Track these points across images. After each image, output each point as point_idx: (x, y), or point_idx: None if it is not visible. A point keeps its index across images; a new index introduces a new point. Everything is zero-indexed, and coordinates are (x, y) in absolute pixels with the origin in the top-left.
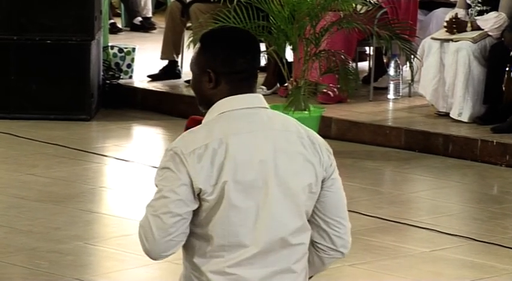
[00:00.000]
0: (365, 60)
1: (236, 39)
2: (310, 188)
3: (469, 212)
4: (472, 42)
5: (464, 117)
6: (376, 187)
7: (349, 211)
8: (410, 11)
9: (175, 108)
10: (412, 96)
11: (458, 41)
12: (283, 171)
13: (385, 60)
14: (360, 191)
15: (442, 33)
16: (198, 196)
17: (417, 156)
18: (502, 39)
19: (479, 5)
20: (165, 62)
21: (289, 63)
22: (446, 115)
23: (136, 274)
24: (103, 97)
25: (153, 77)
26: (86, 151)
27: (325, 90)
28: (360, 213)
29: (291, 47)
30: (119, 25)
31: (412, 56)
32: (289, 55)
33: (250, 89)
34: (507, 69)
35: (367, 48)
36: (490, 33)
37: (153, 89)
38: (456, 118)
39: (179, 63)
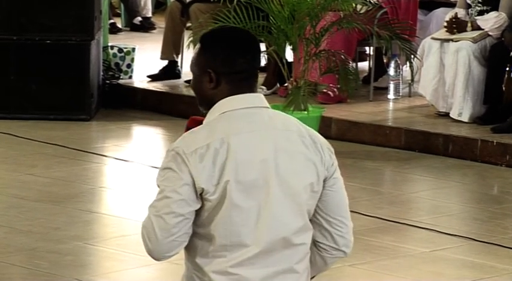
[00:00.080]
0: (365, 60)
1: (236, 39)
2: (311, 187)
3: (469, 212)
4: (472, 42)
5: (464, 118)
6: (376, 187)
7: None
8: (410, 11)
9: (175, 109)
10: (412, 96)
11: (458, 41)
12: (283, 170)
13: (385, 60)
14: (360, 191)
15: (442, 33)
16: (200, 195)
17: (417, 156)
18: (502, 39)
19: (480, 4)
20: (165, 62)
21: (289, 63)
22: (446, 115)
23: (136, 274)
24: (103, 97)
25: (153, 77)
26: (86, 151)
27: (325, 90)
28: (360, 213)
29: (291, 47)
30: (119, 25)
31: (412, 56)
32: (289, 55)
33: (250, 89)
34: (507, 69)
35: (367, 48)
36: (490, 33)
37: (153, 89)
38: (456, 118)
39: (179, 63)
